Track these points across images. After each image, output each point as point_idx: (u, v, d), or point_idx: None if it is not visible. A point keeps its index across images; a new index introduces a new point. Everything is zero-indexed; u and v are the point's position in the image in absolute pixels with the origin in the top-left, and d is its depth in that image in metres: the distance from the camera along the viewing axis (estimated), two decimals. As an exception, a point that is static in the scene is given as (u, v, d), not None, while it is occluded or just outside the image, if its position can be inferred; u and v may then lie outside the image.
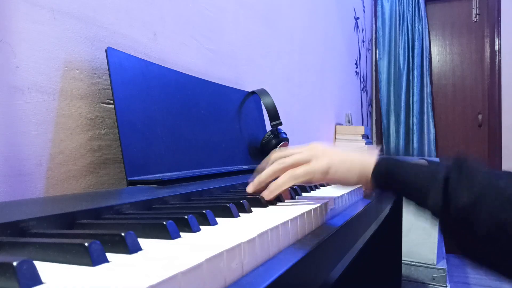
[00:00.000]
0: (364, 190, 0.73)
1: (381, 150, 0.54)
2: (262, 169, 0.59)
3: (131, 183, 0.63)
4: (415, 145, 3.11)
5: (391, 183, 0.51)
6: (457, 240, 0.45)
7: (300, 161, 0.55)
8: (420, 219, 1.90)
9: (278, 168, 0.55)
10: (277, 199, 0.55)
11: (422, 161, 0.51)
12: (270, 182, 0.56)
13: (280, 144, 1.06)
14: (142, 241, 0.31)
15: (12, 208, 0.41)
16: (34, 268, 0.22)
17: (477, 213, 0.41)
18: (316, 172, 0.54)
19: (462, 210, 0.42)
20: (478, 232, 0.41)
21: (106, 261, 0.26)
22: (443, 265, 1.75)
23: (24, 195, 0.60)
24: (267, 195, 0.53)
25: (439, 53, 3.24)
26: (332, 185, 0.76)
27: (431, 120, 3.12)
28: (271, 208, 0.50)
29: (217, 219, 0.42)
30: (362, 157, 0.54)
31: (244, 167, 0.91)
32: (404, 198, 0.52)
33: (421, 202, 0.48)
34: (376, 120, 3.39)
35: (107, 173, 0.74)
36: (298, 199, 0.57)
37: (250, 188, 0.58)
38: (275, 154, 0.59)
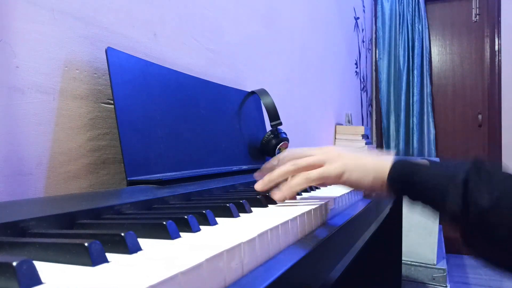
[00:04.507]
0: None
1: (396, 154, 0.53)
2: (270, 168, 0.57)
3: (131, 183, 0.63)
4: (415, 145, 3.10)
5: (407, 187, 0.50)
6: (476, 244, 0.45)
7: (314, 163, 0.54)
8: (420, 219, 1.89)
9: (291, 169, 0.54)
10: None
11: (424, 161, 0.51)
12: (279, 182, 0.55)
13: (280, 144, 1.06)
14: (142, 241, 0.31)
15: (12, 208, 0.41)
16: (34, 268, 0.22)
17: (497, 216, 0.41)
18: (330, 175, 0.53)
19: (482, 213, 0.41)
20: (498, 236, 0.41)
21: (106, 261, 0.26)
22: (443, 265, 1.75)
23: (24, 195, 0.60)
24: (279, 197, 0.52)
25: (439, 53, 3.24)
26: (333, 185, 0.76)
27: (431, 120, 3.12)
28: (271, 208, 0.50)
29: (217, 219, 0.42)
30: (377, 160, 0.53)
31: (244, 167, 0.90)
32: (421, 203, 0.50)
33: (439, 206, 0.47)
34: (376, 120, 3.39)
35: (107, 173, 0.74)
36: (298, 199, 0.57)
37: (258, 186, 0.56)
38: (286, 153, 0.57)
